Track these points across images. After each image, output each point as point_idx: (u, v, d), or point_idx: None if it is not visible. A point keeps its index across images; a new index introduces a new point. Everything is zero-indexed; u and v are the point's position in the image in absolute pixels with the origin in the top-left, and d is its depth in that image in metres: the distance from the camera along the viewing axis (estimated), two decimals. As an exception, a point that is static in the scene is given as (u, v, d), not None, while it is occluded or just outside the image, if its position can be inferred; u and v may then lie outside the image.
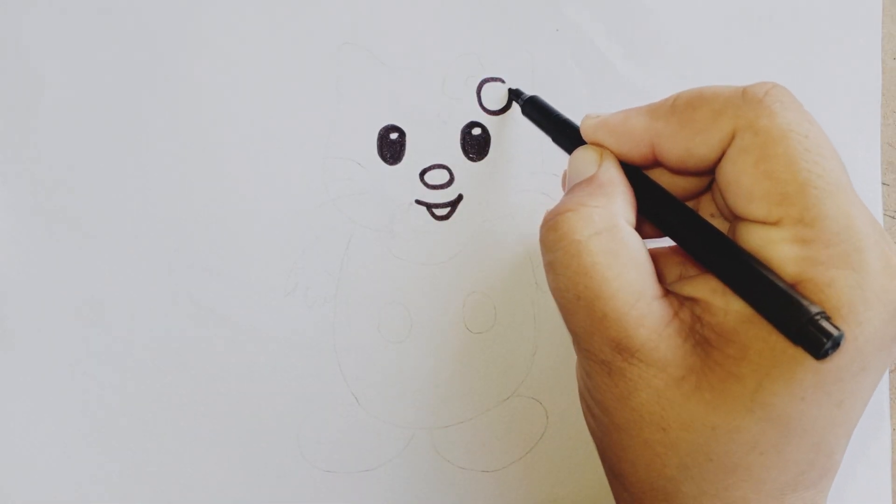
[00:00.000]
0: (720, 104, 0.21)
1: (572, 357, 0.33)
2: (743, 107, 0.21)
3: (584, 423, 0.33)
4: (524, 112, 0.30)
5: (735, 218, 0.22)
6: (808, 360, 0.19)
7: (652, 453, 0.21)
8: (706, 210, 0.25)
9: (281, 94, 0.32)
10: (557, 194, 0.33)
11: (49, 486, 0.32)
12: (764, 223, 0.20)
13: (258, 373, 0.32)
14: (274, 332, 0.32)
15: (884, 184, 0.34)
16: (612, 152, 0.24)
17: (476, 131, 0.33)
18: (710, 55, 0.33)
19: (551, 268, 0.23)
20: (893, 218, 0.34)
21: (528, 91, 0.32)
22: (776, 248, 0.20)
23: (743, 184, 0.21)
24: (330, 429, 0.33)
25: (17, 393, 0.32)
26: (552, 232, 0.22)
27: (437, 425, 0.33)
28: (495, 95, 0.33)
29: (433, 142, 0.32)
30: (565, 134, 0.27)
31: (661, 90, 0.33)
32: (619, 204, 0.23)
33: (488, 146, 0.33)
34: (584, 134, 0.25)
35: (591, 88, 0.33)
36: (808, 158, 0.20)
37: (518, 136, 0.33)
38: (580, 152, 0.25)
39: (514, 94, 0.32)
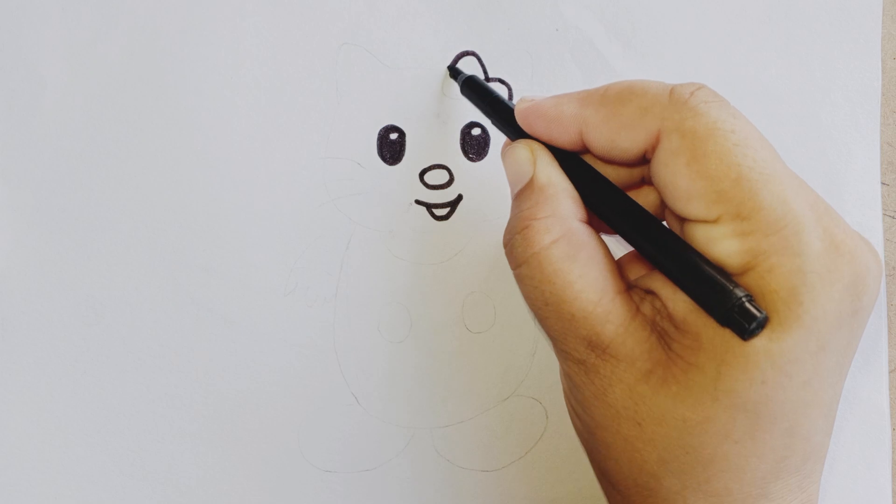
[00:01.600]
0: (647, 102, 0.22)
1: (572, 357, 0.33)
2: (669, 108, 0.21)
3: (583, 423, 0.33)
4: (462, 93, 0.30)
5: (678, 218, 0.22)
6: (760, 344, 0.20)
7: (632, 449, 0.22)
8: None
9: (281, 95, 0.32)
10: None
11: (49, 486, 0.32)
12: (705, 221, 0.21)
13: (258, 373, 0.32)
14: (274, 332, 0.32)
15: (884, 184, 0.34)
16: (542, 143, 0.25)
17: (476, 131, 0.33)
18: (710, 55, 0.33)
19: (519, 281, 0.24)
20: (893, 218, 0.34)
21: (528, 90, 0.32)
22: (719, 244, 0.20)
23: (679, 186, 0.21)
24: (330, 429, 0.33)
25: (17, 393, 0.32)
26: (513, 249, 0.23)
27: (437, 425, 0.33)
28: (495, 95, 0.33)
29: (433, 142, 0.32)
30: (501, 117, 0.27)
31: (661, 90, 0.33)
32: (566, 206, 0.23)
33: (488, 146, 0.33)
34: (518, 117, 0.25)
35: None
36: (738, 152, 0.20)
37: (518, 136, 0.33)
38: (511, 151, 0.25)
39: (453, 74, 0.31)
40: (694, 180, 0.20)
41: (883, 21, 0.34)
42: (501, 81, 0.33)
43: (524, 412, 0.33)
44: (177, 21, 0.32)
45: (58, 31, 0.32)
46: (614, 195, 0.23)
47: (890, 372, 0.34)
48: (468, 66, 0.33)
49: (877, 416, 0.33)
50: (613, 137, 0.22)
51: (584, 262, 0.22)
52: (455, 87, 0.33)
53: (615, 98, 0.22)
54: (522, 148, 0.25)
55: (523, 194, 0.24)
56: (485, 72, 0.33)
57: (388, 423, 0.33)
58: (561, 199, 0.23)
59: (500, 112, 0.27)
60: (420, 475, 0.33)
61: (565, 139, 0.24)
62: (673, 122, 0.21)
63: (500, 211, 0.33)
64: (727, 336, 0.20)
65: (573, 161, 0.24)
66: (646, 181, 0.25)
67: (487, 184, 0.33)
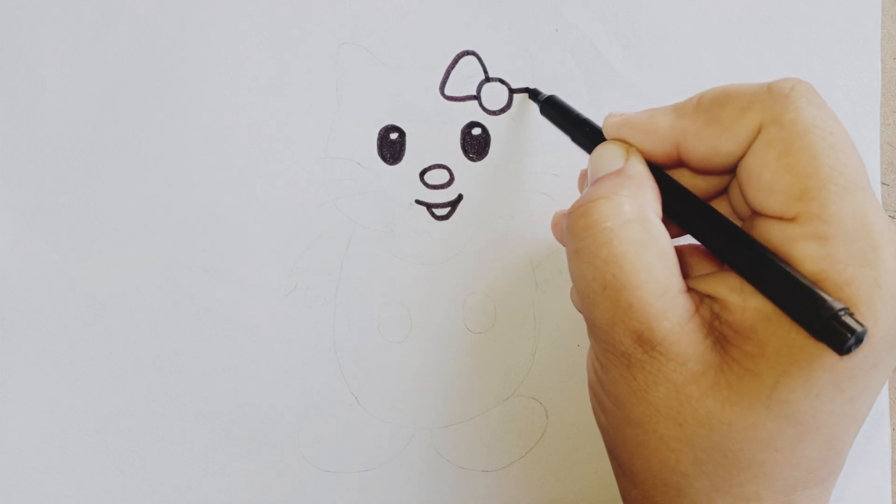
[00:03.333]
0: (746, 100, 0.21)
1: (572, 357, 0.33)
2: (769, 101, 0.21)
3: (584, 422, 0.33)
4: (542, 112, 0.30)
5: (752, 213, 0.22)
6: (826, 358, 0.19)
7: (667, 448, 0.21)
8: (731, 211, 0.25)
9: (281, 95, 0.32)
10: (557, 194, 0.33)
11: (49, 486, 0.32)
12: (781, 219, 0.20)
13: (258, 373, 0.32)
14: (274, 332, 0.32)
15: (884, 184, 0.34)
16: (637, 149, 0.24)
17: (476, 131, 0.33)
18: (710, 55, 0.33)
19: (578, 255, 0.22)
20: (894, 218, 0.34)
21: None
22: (795, 244, 0.20)
23: (764, 177, 0.21)
24: (330, 429, 0.33)
25: (17, 393, 0.32)
26: (582, 219, 0.22)
27: (437, 425, 0.33)
28: (495, 95, 0.33)
29: (433, 142, 0.32)
30: (585, 133, 0.27)
31: (661, 90, 0.33)
32: (648, 195, 0.23)
33: (488, 146, 0.33)
34: (608, 132, 0.25)
35: (591, 88, 0.33)
36: (831, 155, 0.20)
37: (518, 136, 0.33)
38: (605, 147, 0.24)
39: (532, 94, 0.32)
40: (781, 174, 0.20)
41: (883, 21, 0.34)
42: (502, 81, 0.33)
43: (524, 412, 0.33)
44: (177, 21, 0.32)
45: (58, 31, 0.32)
46: (699, 203, 0.23)
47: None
48: (468, 66, 0.33)
49: (877, 416, 0.33)
50: (714, 143, 0.22)
51: (653, 252, 0.21)
52: (455, 86, 0.33)
53: (711, 103, 0.22)
54: (617, 144, 0.24)
55: (606, 177, 0.23)
56: (485, 71, 0.33)
57: (388, 423, 0.33)
58: (645, 189, 0.23)
59: (585, 130, 0.27)
60: (420, 475, 0.33)
61: (660, 152, 0.23)
62: (773, 113, 0.21)
63: (501, 211, 0.33)
64: (796, 348, 0.20)
65: (660, 174, 0.24)
66: (721, 192, 0.25)
67: (488, 183, 0.33)
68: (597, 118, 0.27)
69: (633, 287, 0.21)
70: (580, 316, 0.32)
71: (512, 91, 0.33)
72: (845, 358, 0.19)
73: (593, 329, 0.23)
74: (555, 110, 0.29)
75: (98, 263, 0.32)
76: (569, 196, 0.32)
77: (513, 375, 0.33)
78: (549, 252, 0.33)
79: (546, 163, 0.33)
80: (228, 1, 0.32)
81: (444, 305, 0.33)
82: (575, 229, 0.22)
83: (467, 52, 0.33)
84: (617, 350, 0.22)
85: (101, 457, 0.32)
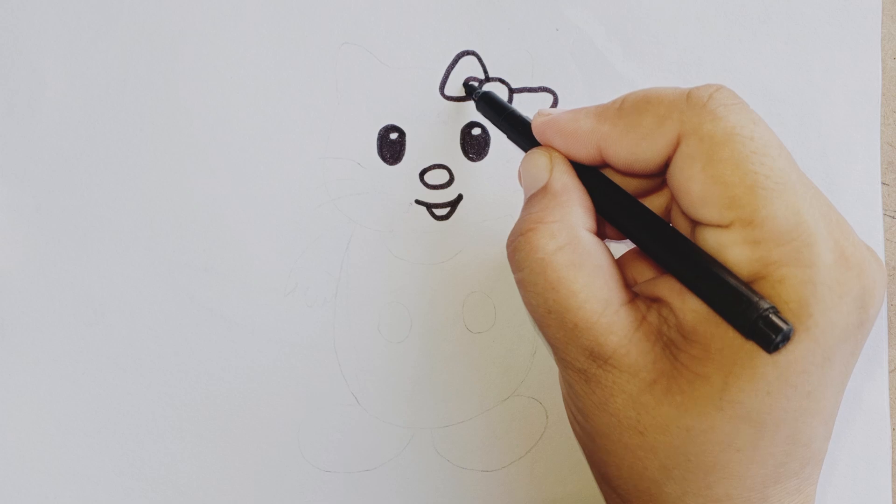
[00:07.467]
0: (665, 109, 0.21)
1: (572, 357, 0.33)
2: (687, 111, 0.21)
3: (583, 423, 0.33)
4: (478, 108, 0.30)
5: (691, 221, 0.22)
6: (767, 355, 0.20)
7: (633, 457, 0.22)
8: (678, 211, 0.25)
9: (281, 95, 0.32)
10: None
11: (49, 486, 0.32)
12: (717, 226, 0.21)
13: (258, 373, 0.32)
14: (274, 332, 0.32)
15: (884, 184, 0.34)
16: (561, 154, 0.25)
17: (476, 131, 0.33)
18: (710, 55, 0.33)
19: (521, 286, 0.23)
20: (893, 218, 0.34)
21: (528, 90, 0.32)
22: (730, 250, 0.20)
23: (693, 190, 0.21)
24: (330, 429, 0.33)
25: (16, 393, 0.32)
26: (517, 252, 0.23)
27: (437, 425, 0.33)
28: (495, 95, 0.33)
29: (433, 142, 0.32)
30: (518, 131, 0.27)
31: (661, 90, 0.33)
32: (576, 214, 0.23)
33: (488, 146, 0.33)
34: (535, 132, 0.25)
35: (591, 89, 0.33)
36: (755, 160, 0.20)
37: (518, 136, 0.33)
38: (530, 157, 0.25)
39: (468, 89, 0.32)
40: (708, 185, 0.21)
41: (883, 21, 0.34)
42: (502, 81, 0.33)
43: (524, 412, 0.33)
44: (177, 21, 0.32)
45: (58, 31, 0.32)
46: (632, 206, 0.23)
47: (890, 372, 0.34)
48: (468, 66, 0.33)
49: (877, 416, 0.33)
50: (633, 150, 0.22)
51: (589, 271, 0.22)
52: (455, 86, 0.33)
53: (631, 109, 0.22)
54: (541, 154, 0.25)
55: (535, 197, 0.24)
56: (485, 71, 0.33)
57: (388, 423, 0.33)
58: (572, 207, 0.23)
59: (517, 127, 0.27)
60: (420, 475, 0.33)
61: (583, 154, 0.24)
62: (691, 125, 0.21)
63: (501, 211, 0.33)
64: (736, 347, 0.20)
65: (589, 172, 0.24)
66: (663, 186, 0.25)
67: (487, 184, 0.33)
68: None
69: (574, 308, 0.22)
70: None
71: (512, 91, 0.33)
72: (784, 353, 0.20)
73: (552, 349, 0.24)
74: (489, 107, 0.29)
75: (98, 263, 0.32)
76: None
77: (513, 375, 0.33)
78: (549, 252, 0.33)
79: (546, 163, 0.33)
80: (228, 1, 0.32)
81: (444, 305, 0.33)
82: (513, 262, 0.24)
83: (467, 52, 0.33)
84: (574, 367, 0.23)
85: (101, 457, 0.32)
